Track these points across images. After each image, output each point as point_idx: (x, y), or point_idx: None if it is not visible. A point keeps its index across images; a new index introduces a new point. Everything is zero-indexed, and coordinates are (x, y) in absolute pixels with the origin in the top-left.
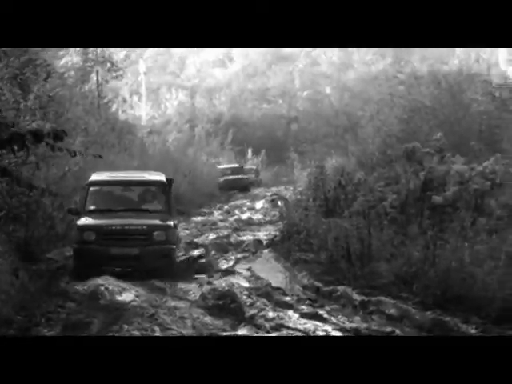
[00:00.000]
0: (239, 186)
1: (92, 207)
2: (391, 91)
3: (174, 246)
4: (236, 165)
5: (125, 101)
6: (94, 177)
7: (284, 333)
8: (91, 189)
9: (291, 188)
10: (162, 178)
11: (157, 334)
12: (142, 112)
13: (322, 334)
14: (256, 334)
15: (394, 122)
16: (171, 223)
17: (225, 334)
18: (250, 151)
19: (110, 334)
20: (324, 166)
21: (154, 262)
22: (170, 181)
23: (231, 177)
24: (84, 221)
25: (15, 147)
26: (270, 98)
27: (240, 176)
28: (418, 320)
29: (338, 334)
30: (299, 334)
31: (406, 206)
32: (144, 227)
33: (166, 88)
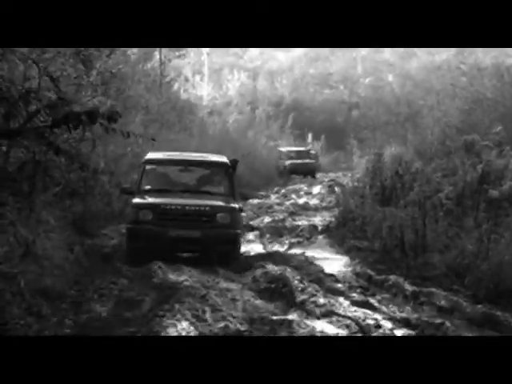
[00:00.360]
0: (306, 171)
1: (148, 187)
2: (453, 82)
3: (240, 231)
4: (302, 148)
5: (187, 80)
6: (151, 155)
7: (334, 319)
8: (147, 167)
9: (349, 174)
10: (224, 159)
11: (207, 315)
12: (203, 92)
13: (371, 322)
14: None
15: (454, 113)
16: (236, 206)
17: (275, 317)
18: (310, 136)
19: (161, 313)
20: (382, 154)
21: (218, 247)
22: (234, 162)
23: (299, 161)
24: (140, 199)
25: (71, 126)
26: (331, 83)
27: (307, 160)
28: (468, 313)
29: (388, 324)
30: (348, 321)
31: (462, 199)
32: (207, 208)
33: (229, 69)
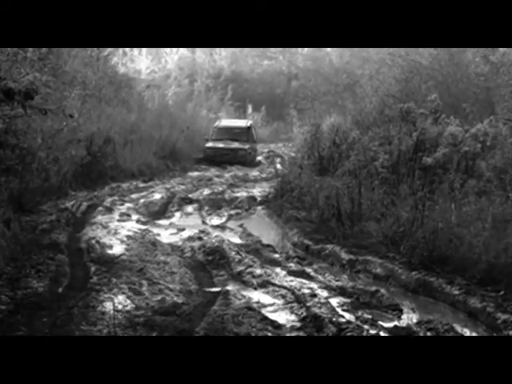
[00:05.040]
0: (232, 160)
1: None
2: (391, 51)
3: None
4: (242, 121)
5: (125, 54)
6: None
7: (270, 289)
8: None
9: (289, 145)
10: None
11: (144, 289)
12: (142, 66)
13: (307, 291)
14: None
15: (392, 81)
16: None
17: (212, 289)
18: (250, 107)
19: (98, 287)
20: (320, 125)
21: None
22: None
23: (221, 145)
24: None
25: None
26: (270, 54)
27: (236, 145)
28: (403, 280)
29: (324, 292)
30: (285, 291)
31: (397, 167)
32: None
33: None
